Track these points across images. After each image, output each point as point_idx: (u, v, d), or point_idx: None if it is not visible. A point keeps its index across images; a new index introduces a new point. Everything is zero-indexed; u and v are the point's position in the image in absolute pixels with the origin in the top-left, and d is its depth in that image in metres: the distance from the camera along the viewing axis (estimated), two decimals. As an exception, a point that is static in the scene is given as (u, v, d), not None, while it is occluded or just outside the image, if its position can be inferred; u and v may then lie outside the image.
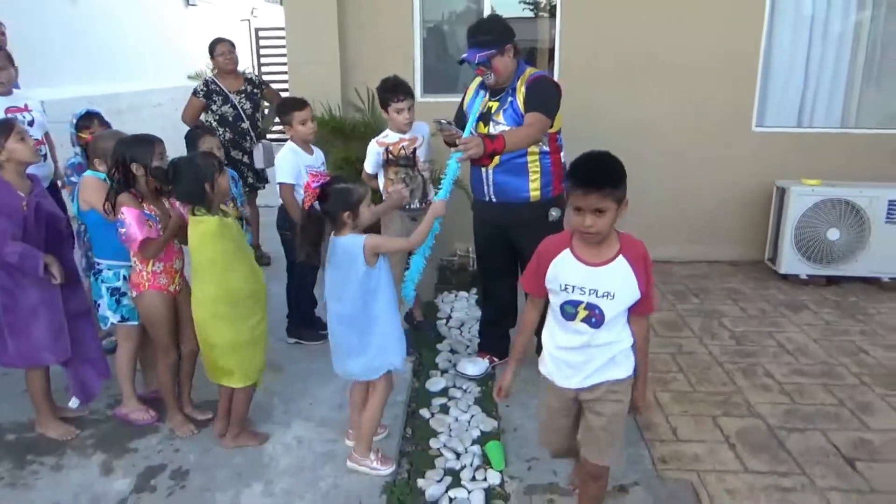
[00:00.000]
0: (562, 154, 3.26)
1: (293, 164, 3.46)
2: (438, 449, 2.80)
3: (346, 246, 2.41)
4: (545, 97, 3.10)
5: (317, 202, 2.42)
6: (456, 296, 4.50)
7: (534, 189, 3.18)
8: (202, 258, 2.54)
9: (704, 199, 5.16)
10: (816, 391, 3.27)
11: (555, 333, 2.06)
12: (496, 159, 3.15)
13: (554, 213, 3.19)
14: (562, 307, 1.98)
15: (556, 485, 2.55)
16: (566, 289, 1.96)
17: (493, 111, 3.17)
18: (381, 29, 5.02)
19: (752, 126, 5.10)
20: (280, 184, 3.47)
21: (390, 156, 3.50)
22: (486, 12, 5.05)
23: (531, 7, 5.78)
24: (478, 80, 3.29)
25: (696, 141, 5.06)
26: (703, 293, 4.56)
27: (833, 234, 4.61)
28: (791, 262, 4.68)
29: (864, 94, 5.16)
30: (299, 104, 3.52)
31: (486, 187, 3.23)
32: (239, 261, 2.58)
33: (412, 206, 3.52)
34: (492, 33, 3.08)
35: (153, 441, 2.81)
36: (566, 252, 1.98)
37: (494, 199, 3.22)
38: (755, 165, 5.08)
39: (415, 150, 3.50)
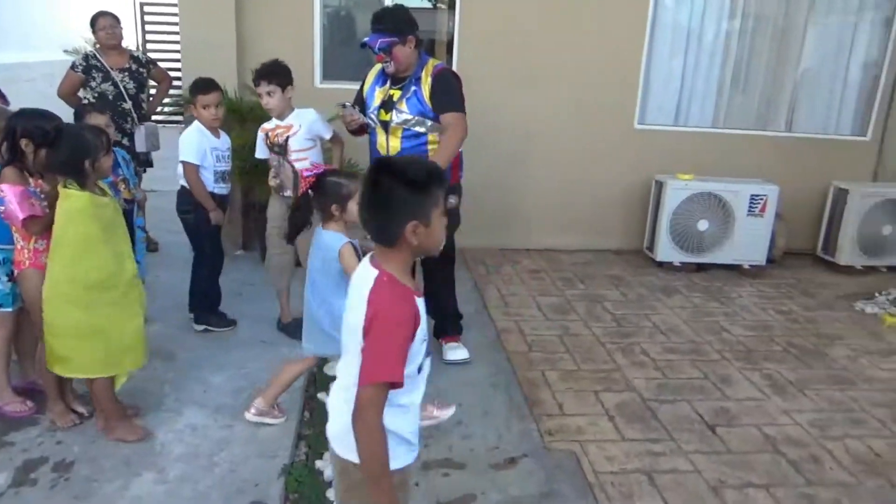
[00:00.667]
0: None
1: (198, 145, 3.38)
2: (336, 430, 2.84)
3: (328, 241, 2.56)
4: (454, 93, 3.22)
5: (310, 190, 2.54)
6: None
7: (433, 177, 3.27)
8: (64, 234, 2.41)
9: (591, 193, 5.47)
10: (685, 366, 3.59)
11: (413, 403, 1.52)
12: (397, 146, 3.24)
13: (452, 200, 3.30)
14: (422, 365, 1.49)
15: (450, 460, 2.67)
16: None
17: (395, 99, 3.24)
18: (281, 10, 4.94)
19: (635, 124, 5.46)
20: (183, 163, 3.37)
21: (268, 142, 3.48)
22: (389, 1, 5.09)
23: (432, -2, 5.87)
24: (378, 67, 3.34)
25: (583, 138, 5.36)
26: (589, 279, 4.86)
27: (703, 225, 5.04)
28: (666, 250, 5.08)
29: (732, 98, 5.65)
30: (204, 87, 3.42)
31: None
32: (103, 244, 2.45)
33: (284, 194, 3.43)
34: (395, 22, 3.17)
35: (32, 433, 2.67)
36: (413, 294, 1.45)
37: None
38: (637, 161, 5.46)
39: (287, 138, 3.41)
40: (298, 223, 2.62)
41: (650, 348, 3.78)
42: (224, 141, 3.54)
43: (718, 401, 3.26)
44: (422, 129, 3.23)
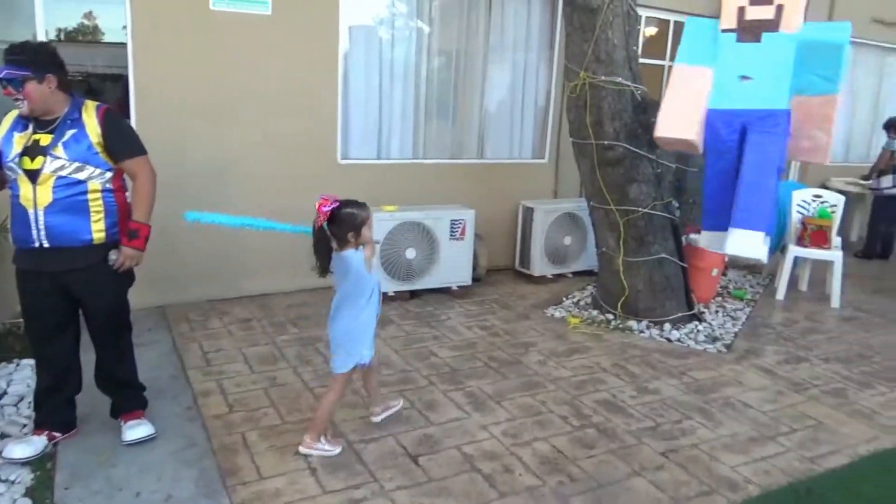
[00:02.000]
0: (127, 193, 3.02)
1: None
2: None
3: (353, 259, 2.92)
4: (130, 135, 2.98)
5: (325, 223, 2.86)
6: (17, 365, 3.80)
7: (97, 231, 2.87)
8: None
9: (301, 230, 5.35)
10: (394, 399, 3.59)
11: None
12: (47, 198, 2.76)
13: (112, 255, 2.91)
14: None
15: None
16: None
17: (44, 144, 2.78)
18: None
19: (338, 159, 5.48)
20: None
21: None
22: (42, 35, 4.44)
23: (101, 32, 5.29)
24: (15, 113, 2.88)
25: (287, 174, 5.22)
26: (303, 321, 4.71)
27: (411, 253, 5.21)
28: (380, 281, 5.13)
29: (428, 130, 5.98)
30: None
31: (35, 232, 2.79)
32: None
33: None
34: (33, 56, 2.76)
35: None
36: None
37: (47, 245, 2.80)
38: (343, 195, 5.44)
39: None
40: (324, 252, 2.92)
41: (360, 386, 3.72)
42: None
43: (423, 428, 3.30)
44: (82, 177, 2.81)
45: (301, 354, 4.13)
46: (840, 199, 6.14)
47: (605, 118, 4.72)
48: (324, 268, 2.93)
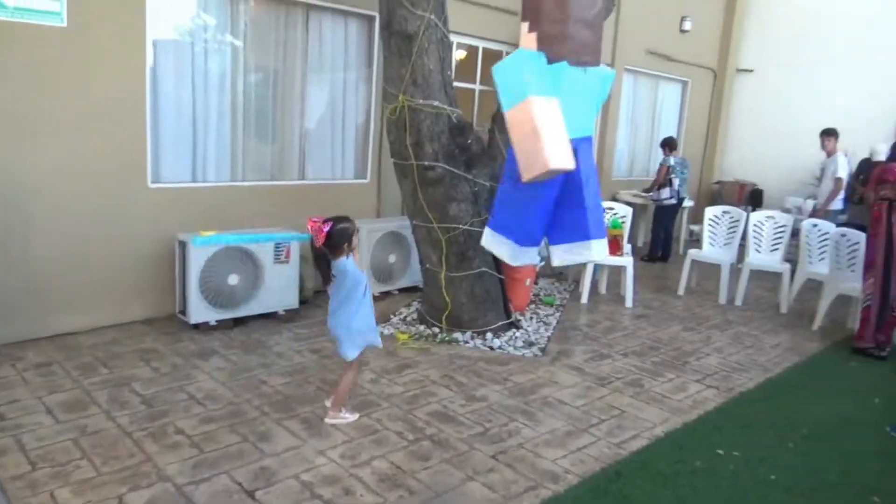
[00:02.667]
0: None
1: None
2: None
3: (347, 265, 3.47)
4: None
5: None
6: None
7: None
8: None
9: (109, 261, 4.91)
10: (224, 434, 3.44)
11: None
12: None
13: None
14: None
15: None
16: None
17: None
18: None
19: (149, 183, 5.12)
20: None
21: None
22: None
23: None
24: None
25: (91, 200, 4.77)
26: (114, 360, 4.32)
27: (233, 279, 5.01)
28: (200, 311, 4.88)
29: (247, 152, 5.80)
30: None
31: None
32: None
33: None
34: None
35: None
36: None
37: None
38: (156, 221, 5.12)
39: None
40: (326, 265, 3.48)
41: (185, 424, 3.52)
42: None
43: (257, 461, 3.20)
44: None
45: (115, 397, 3.79)
46: (628, 210, 6.97)
47: (425, 140, 4.93)
48: (326, 277, 3.51)
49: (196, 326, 4.90)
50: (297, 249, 5.36)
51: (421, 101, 4.88)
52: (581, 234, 4.01)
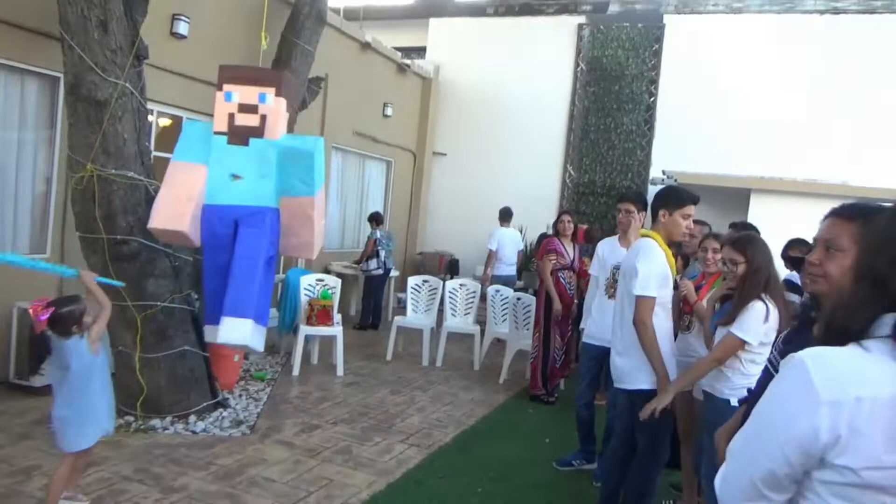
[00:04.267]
0: None
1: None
2: None
3: (77, 347, 3.24)
4: None
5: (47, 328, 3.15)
6: None
7: None
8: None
9: None
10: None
11: None
12: None
13: None
14: None
15: None
16: None
17: None
18: None
19: None
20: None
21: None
22: None
23: None
24: None
25: None
26: None
27: None
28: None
29: None
30: None
31: None
32: None
33: None
34: None
35: None
36: None
37: None
38: None
39: None
40: (43, 357, 3.27)
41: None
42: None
43: None
44: None
45: None
46: (338, 282, 7.25)
47: (118, 212, 4.60)
48: (34, 369, 3.46)
49: None
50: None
51: (113, 171, 4.57)
52: (226, 310, 3.93)
